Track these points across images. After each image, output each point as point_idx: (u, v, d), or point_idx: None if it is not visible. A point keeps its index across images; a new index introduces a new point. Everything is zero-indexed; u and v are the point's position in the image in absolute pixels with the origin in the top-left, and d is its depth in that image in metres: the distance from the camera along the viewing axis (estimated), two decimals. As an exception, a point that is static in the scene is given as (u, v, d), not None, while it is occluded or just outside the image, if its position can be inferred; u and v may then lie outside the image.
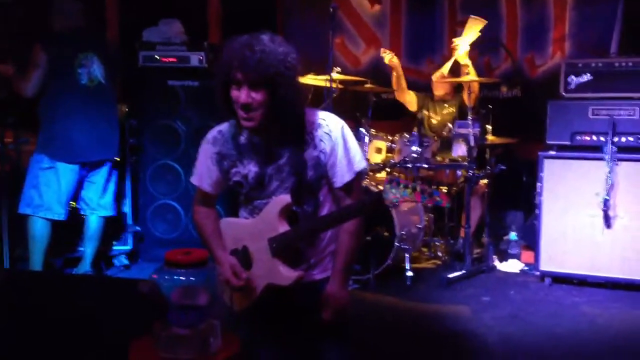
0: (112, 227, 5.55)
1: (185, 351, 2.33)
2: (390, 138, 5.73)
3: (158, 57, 5.64)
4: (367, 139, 5.58)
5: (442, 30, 6.80)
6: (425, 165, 5.46)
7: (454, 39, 5.74)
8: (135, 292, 2.44)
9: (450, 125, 5.79)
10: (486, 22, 5.55)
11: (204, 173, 2.64)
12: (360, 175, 2.55)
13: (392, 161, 5.59)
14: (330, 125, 2.49)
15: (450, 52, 5.83)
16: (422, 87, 6.43)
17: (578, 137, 5.10)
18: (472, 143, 5.34)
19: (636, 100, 4.99)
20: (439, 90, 6.17)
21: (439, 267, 5.72)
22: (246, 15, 6.00)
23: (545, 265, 5.19)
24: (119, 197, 5.57)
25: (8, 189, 5.13)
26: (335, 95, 5.52)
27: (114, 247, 5.71)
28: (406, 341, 4.10)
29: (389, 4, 7.05)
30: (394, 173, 5.73)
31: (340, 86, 5.77)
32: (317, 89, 5.65)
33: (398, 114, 6.56)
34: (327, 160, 2.48)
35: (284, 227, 2.47)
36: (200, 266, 2.44)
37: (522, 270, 5.62)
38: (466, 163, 5.40)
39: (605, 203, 4.95)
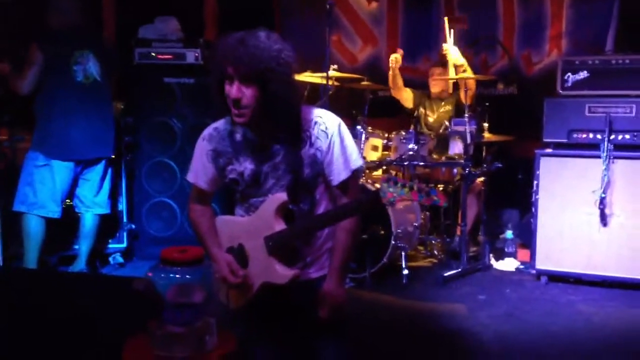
0: (107, 225, 5.53)
1: (180, 349, 2.33)
2: (386, 135, 5.73)
3: (154, 54, 5.62)
4: (363, 136, 5.57)
5: (439, 27, 6.78)
6: (422, 163, 5.46)
7: (443, 45, 5.75)
8: (130, 290, 2.43)
9: (447, 123, 5.79)
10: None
11: (199, 170, 2.63)
12: (357, 173, 2.54)
13: (389, 159, 5.59)
14: (327, 123, 2.48)
15: (443, 56, 5.84)
16: (419, 85, 6.43)
17: (575, 135, 5.09)
18: (468, 140, 5.34)
19: (633, 98, 4.98)
20: (436, 88, 6.17)
21: (435, 266, 5.72)
22: (243, 12, 5.99)
23: (541, 263, 5.19)
24: (114, 195, 5.56)
25: (3, 187, 5.12)
26: (331, 92, 5.51)
27: (109, 245, 5.69)
28: (402, 339, 4.10)
29: (385, 2, 7.06)
30: (391, 171, 5.73)
31: (336, 83, 5.78)
32: (313, 86, 5.65)
33: (394, 111, 6.56)
34: (324, 158, 2.47)
35: (280, 226, 2.46)
36: (196, 264, 2.44)
37: (518, 269, 5.62)
38: (462, 161, 5.39)
39: (602, 201, 4.95)
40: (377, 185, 5.01)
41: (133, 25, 5.82)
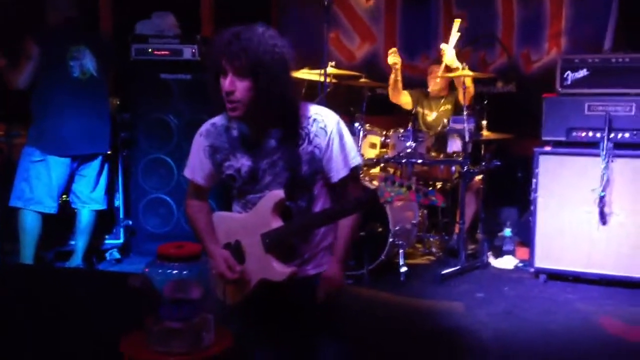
0: (104, 221, 5.51)
1: (177, 345, 2.32)
2: (384, 133, 5.71)
3: (151, 50, 5.60)
4: (361, 133, 5.55)
5: (437, 25, 6.79)
6: (420, 161, 5.44)
7: (441, 45, 5.75)
8: (127, 286, 2.41)
9: (445, 121, 5.77)
10: (460, 20, 5.55)
11: (196, 166, 2.62)
12: (355, 170, 2.55)
13: (386, 156, 5.57)
14: (326, 121, 2.48)
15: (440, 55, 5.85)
16: (417, 83, 6.40)
17: (574, 133, 5.08)
18: (467, 138, 5.32)
19: (633, 96, 4.96)
20: (435, 86, 6.14)
21: (433, 263, 5.71)
22: (240, 9, 5.97)
23: (540, 261, 5.17)
24: (110, 191, 5.53)
25: (-1, 182, 5.10)
26: (329, 89, 5.49)
27: (106, 241, 5.67)
28: (400, 337, 4.08)
29: (383, -1, 7.04)
30: (388, 168, 5.71)
31: (334, 81, 5.77)
32: (311, 83, 5.64)
33: (392, 109, 6.53)
34: (323, 155, 2.46)
35: (277, 223, 2.46)
36: (193, 260, 2.42)
37: (516, 267, 5.60)
38: (461, 158, 5.37)
39: (601, 200, 4.93)
40: (375, 183, 5.02)
41: (130, 21, 5.80)
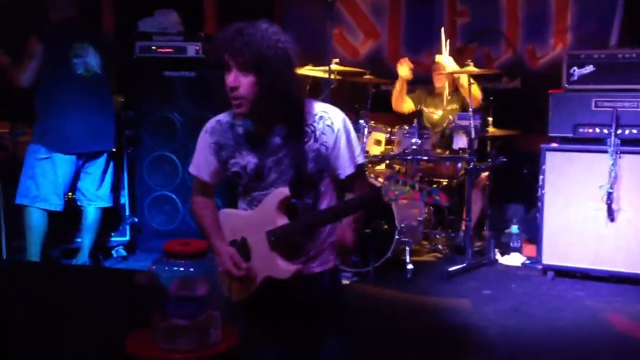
0: (110, 218, 5.52)
1: (184, 342, 2.31)
2: (389, 130, 5.70)
3: (154, 48, 5.60)
4: (366, 130, 5.53)
5: (442, 21, 6.75)
6: (425, 158, 5.42)
7: (436, 57, 5.81)
8: (133, 283, 2.41)
9: (450, 117, 5.74)
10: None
11: (201, 163, 2.61)
12: (361, 167, 2.55)
13: (392, 153, 5.56)
14: (333, 118, 2.47)
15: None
16: (422, 79, 6.37)
17: (581, 130, 5.04)
18: (472, 135, 5.30)
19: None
20: (439, 82, 6.10)
21: (439, 260, 5.69)
22: (243, 5, 5.95)
23: (548, 258, 5.14)
24: (116, 189, 5.54)
25: (5, 180, 5.09)
26: (333, 86, 5.50)
27: (112, 238, 5.68)
28: (406, 334, 4.07)
29: (388, -5, 7.01)
30: (394, 165, 5.69)
31: (338, 77, 5.75)
32: (315, 80, 5.62)
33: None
34: (330, 153, 2.46)
35: (282, 220, 2.45)
36: (199, 257, 2.40)
37: (523, 264, 5.57)
38: (467, 155, 5.35)
39: (609, 196, 4.90)
40: (380, 180, 5.00)
41: (132, 18, 5.80)
